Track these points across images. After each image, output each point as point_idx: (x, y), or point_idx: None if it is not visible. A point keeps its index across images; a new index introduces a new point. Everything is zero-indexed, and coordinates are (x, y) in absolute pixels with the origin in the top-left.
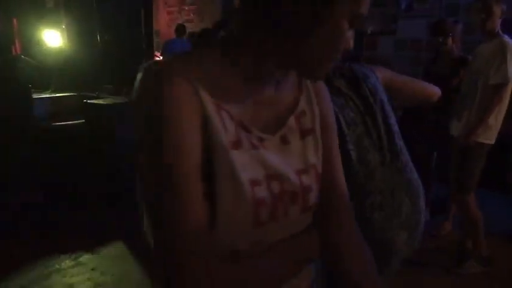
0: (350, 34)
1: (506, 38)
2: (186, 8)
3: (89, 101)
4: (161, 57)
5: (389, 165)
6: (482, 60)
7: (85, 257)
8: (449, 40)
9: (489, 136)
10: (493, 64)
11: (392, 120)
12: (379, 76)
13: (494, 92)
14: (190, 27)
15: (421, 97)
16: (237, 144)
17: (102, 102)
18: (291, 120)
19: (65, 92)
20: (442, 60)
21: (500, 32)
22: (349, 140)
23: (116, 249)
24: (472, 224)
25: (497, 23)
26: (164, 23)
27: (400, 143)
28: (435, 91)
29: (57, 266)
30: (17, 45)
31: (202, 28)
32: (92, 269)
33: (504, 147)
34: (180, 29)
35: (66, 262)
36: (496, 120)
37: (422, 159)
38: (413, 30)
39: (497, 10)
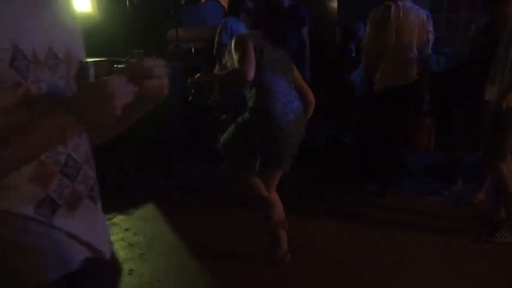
0: None
1: None
2: None
3: (119, 66)
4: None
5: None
6: None
7: (118, 218)
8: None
9: None
10: None
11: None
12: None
13: None
14: None
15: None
16: None
17: None
18: None
19: (95, 57)
20: (495, 26)
21: None
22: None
23: (148, 211)
24: (506, 191)
25: None
26: None
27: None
28: (311, 99)
29: None
30: None
31: None
32: (126, 229)
33: None
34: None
35: None
36: None
37: (458, 127)
38: None
39: None
